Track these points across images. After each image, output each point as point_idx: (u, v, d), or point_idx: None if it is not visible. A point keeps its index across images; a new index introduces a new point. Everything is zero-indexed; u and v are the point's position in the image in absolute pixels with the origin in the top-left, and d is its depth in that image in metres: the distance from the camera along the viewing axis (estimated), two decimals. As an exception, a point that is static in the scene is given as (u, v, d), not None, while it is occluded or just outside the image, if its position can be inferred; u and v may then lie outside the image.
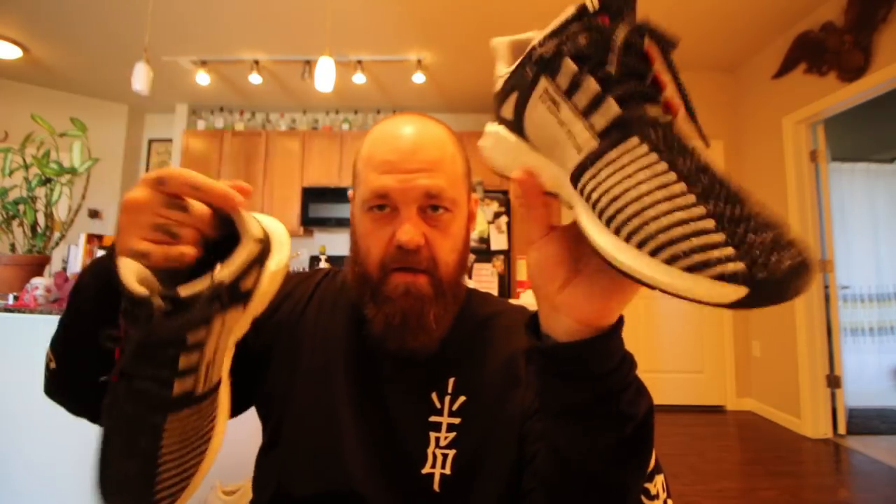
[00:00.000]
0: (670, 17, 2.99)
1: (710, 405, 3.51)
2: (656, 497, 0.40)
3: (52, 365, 0.45)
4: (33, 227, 1.58)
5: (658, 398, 3.46)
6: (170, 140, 4.82)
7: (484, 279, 3.68)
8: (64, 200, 1.66)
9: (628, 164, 0.27)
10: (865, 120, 3.56)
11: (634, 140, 0.28)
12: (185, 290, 0.33)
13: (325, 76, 2.84)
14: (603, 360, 0.33)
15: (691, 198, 0.25)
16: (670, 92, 0.30)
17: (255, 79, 3.77)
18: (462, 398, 0.54)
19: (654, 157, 0.27)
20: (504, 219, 3.77)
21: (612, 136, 0.28)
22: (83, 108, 4.33)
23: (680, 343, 3.57)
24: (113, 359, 0.37)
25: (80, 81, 4.17)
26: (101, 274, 0.41)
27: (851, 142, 3.85)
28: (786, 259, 0.22)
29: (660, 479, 0.41)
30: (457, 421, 0.53)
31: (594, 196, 0.28)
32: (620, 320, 0.34)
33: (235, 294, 0.36)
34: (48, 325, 0.77)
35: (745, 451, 2.77)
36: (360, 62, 3.69)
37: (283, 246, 0.41)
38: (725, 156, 3.67)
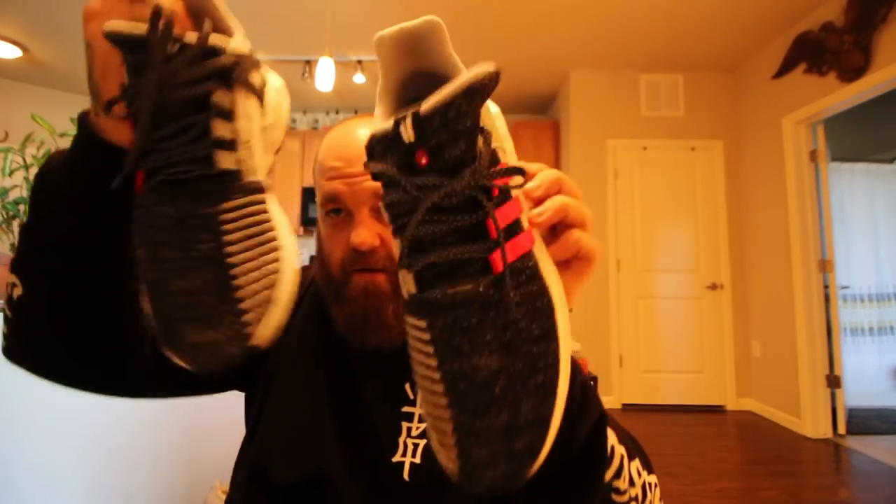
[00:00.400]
0: (671, 18, 2.99)
1: (710, 405, 3.51)
2: (625, 492, 0.40)
3: (17, 291, 0.36)
4: (33, 227, 1.58)
5: (658, 398, 3.47)
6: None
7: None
8: (64, 200, 1.66)
9: (416, 342, 0.26)
10: (865, 120, 3.56)
11: (422, 322, 0.26)
12: (191, 37, 0.29)
13: (325, 76, 2.84)
14: None
15: (444, 402, 0.25)
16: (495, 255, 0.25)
17: (255, 79, 3.77)
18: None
19: (430, 349, 0.25)
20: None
21: (413, 307, 0.26)
22: (83, 108, 4.33)
23: (680, 343, 3.57)
24: (97, 254, 0.34)
25: (80, 81, 4.17)
26: (74, 157, 0.35)
27: (851, 142, 3.86)
28: (487, 476, 0.24)
29: (634, 465, 0.41)
30: None
31: None
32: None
33: (245, 74, 0.31)
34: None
35: (745, 451, 2.77)
36: (360, 62, 3.68)
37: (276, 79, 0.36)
38: (725, 156, 3.68)
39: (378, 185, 0.49)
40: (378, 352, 0.56)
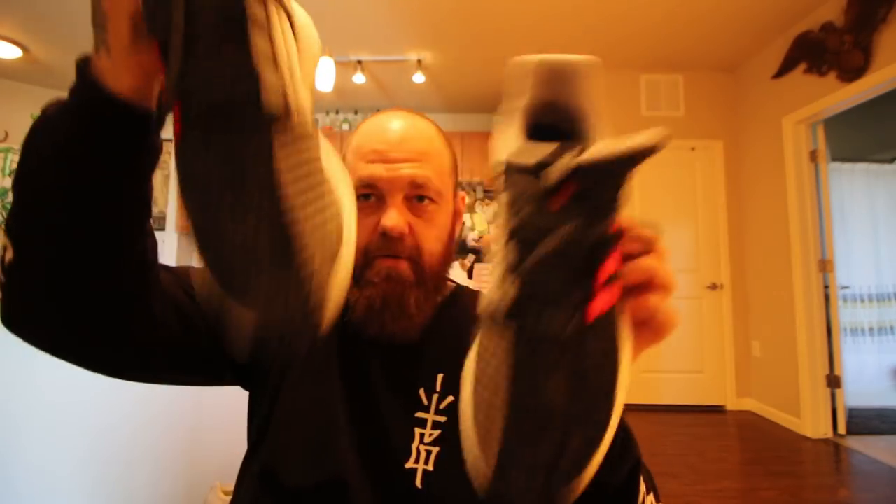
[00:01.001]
0: (671, 18, 2.99)
1: (710, 405, 3.51)
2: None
3: (9, 255, 0.33)
4: (33, 227, 1.58)
5: (658, 398, 3.47)
6: (170, 140, 4.79)
7: (485, 279, 3.68)
8: (64, 200, 1.66)
9: (492, 353, 0.28)
10: (865, 120, 3.56)
11: (509, 336, 0.27)
12: None
13: (325, 76, 2.84)
14: None
15: (500, 418, 0.26)
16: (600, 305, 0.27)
17: (255, 79, 3.77)
18: (450, 398, 0.54)
19: (507, 362, 0.27)
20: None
21: (503, 318, 0.27)
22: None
23: (680, 343, 3.57)
24: (96, 213, 0.32)
25: (80, 81, 4.17)
26: (70, 107, 0.32)
27: (851, 142, 3.85)
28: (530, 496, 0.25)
29: (649, 500, 0.41)
30: (442, 419, 0.53)
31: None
32: None
33: None
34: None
35: (745, 451, 2.77)
36: (360, 62, 3.68)
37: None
38: (725, 156, 3.68)
39: (413, 173, 0.52)
40: (393, 349, 0.55)
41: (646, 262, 0.29)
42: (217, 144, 0.26)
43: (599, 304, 0.26)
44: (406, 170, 0.53)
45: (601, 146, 0.24)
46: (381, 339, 0.54)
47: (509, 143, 0.29)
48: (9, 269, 0.33)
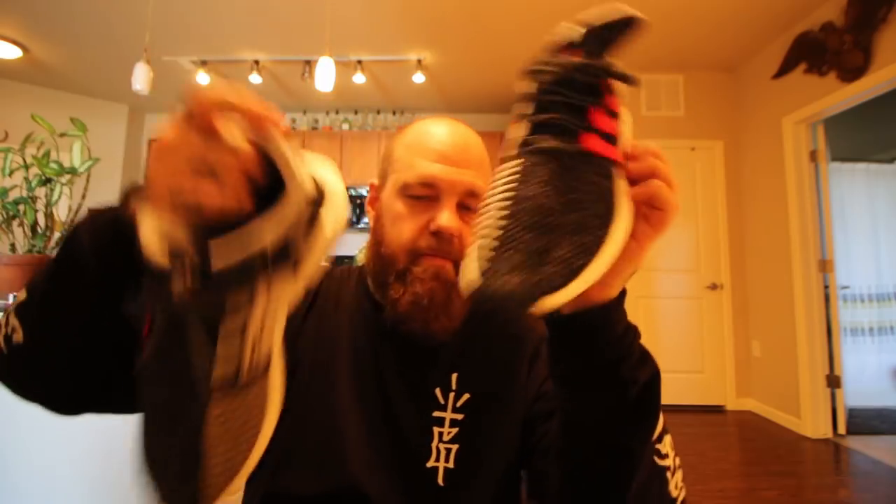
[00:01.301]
0: (671, 17, 2.99)
1: (710, 405, 3.51)
2: (666, 457, 0.41)
3: (17, 337, 0.36)
4: (33, 227, 1.58)
5: (658, 398, 3.46)
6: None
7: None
8: (64, 200, 1.66)
9: (504, 177, 0.32)
10: (865, 120, 3.56)
11: (519, 159, 0.32)
12: (218, 260, 0.27)
13: (325, 76, 2.84)
14: (609, 329, 0.36)
15: (503, 216, 0.31)
16: (604, 128, 0.32)
17: (255, 79, 3.77)
18: (466, 395, 0.55)
19: (515, 178, 0.32)
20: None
21: (518, 149, 0.33)
22: (83, 108, 4.33)
23: (680, 343, 3.57)
24: (104, 327, 0.35)
25: (80, 81, 4.17)
26: (106, 227, 0.34)
27: (851, 142, 3.85)
28: (500, 281, 0.28)
29: (668, 439, 0.42)
30: (460, 417, 0.54)
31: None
32: (623, 293, 0.37)
33: (283, 258, 0.29)
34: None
35: (745, 451, 2.77)
36: (360, 62, 3.68)
37: (338, 199, 0.34)
38: (725, 156, 3.67)
39: (473, 181, 0.55)
40: (406, 350, 0.56)
41: (649, 156, 0.34)
42: (163, 389, 0.30)
43: (593, 140, 0.31)
44: (468, 176, 0.54)
45: (611, 12, 0.33)
46: (418, 337, 0.54)
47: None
48: (13, 348, 0.37)
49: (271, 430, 0.33)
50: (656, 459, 0.40)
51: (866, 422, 3.16)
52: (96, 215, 0.36)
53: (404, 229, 0.54)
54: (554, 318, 0.36)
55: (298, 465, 0.53)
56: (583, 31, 0.33)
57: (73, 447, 1.17)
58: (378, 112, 4.80)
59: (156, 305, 0.29)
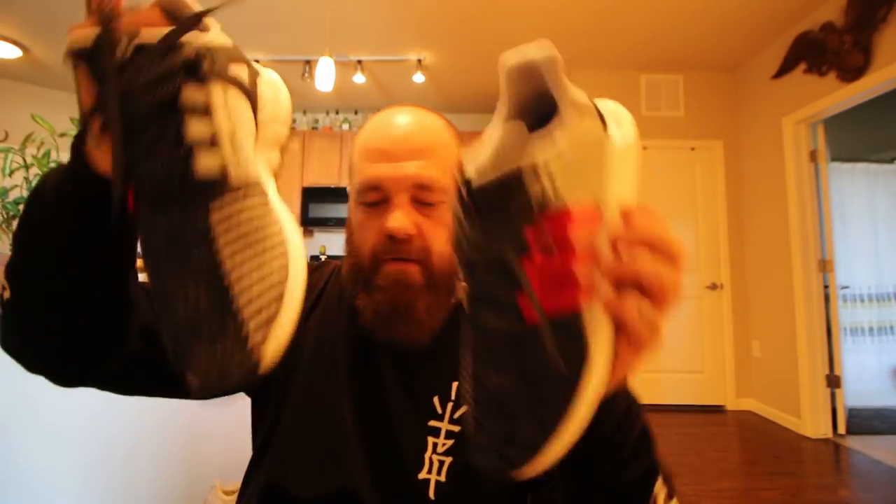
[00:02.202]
0: (670, 17, 2.99)
1: (709, 405, 3.51)
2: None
3: (7, 294, 0.37)
4: (33, 227, 1.58)
5: (658, 398, 3.46)
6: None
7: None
8: (64, 200, 1.66)
9: (463, 350, 0.31)
10: (865, 120, 3.56)
11: (470, 332, 0.30)
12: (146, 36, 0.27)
13: (325, 76, 2.84)
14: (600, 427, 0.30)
15: (470, 391, 0.30)
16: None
17: (255, 79, 3.77)
18: (465, 407, 0.54)
19: (468, 352, 0.30)
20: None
21: (466, 318, 0.31)
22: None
23: (680, 343, 3.57)
24: (84, 257, 0.35)
25: (80, 81, 4.17)
26: (62, 168, 0.35)
27: (851, 142, 3.85)
28: (480, 459, 0.28)
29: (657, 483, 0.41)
30: (456, 429, 0.52)
31: None
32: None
33: (219, 67, 0.29)
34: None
35: (745, 451, 2.77)
36: (360, 62, 3.69)
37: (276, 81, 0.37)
38: (725, 156, 3.68)
39: (417, 172, 0.50)
40: (406, 355, 0.54)
41: (627, 264, 0.26)
42: (160, 223, 0.28)
43: (530, 311, 0.26)
44: (410, 168, 0.50)
45: (487, 177, 0.27)
46: (391, 345, 0.53)
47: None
48: (6, 306, 0.37)
49: (302, 254, 0.30)
50: None
51: (866, 422, 3.16)
52: (55, 170, 0.37)
53: (365, 238, 0.52)
54: None
55: (296, 466, 0.52)
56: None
57: (74, 447, 1.17)
58: (383, 109, 4.80)
59: (105, 94, 0.28)
